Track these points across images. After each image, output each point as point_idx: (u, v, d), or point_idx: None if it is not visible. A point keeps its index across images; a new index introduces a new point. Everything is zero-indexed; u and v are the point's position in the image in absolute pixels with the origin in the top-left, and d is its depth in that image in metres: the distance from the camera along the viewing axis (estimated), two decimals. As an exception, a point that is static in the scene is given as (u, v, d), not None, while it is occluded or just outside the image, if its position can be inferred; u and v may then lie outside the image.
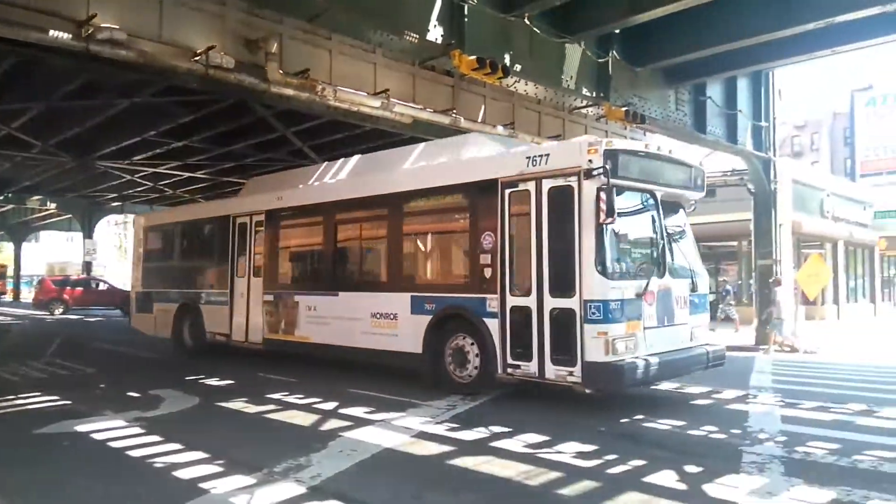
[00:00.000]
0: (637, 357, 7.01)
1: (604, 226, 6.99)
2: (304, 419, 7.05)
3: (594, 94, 13.59)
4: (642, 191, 7.67)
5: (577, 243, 7.11)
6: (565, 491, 4.69)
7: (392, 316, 9.07)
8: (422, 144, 10.31)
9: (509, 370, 7.65)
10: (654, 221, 7.66)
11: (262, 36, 10.57)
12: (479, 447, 5.83)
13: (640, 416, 7.10)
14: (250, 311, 11.41)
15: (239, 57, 10.21)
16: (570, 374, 7.05)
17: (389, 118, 12.45)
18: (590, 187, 7.07)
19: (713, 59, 14.24)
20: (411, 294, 8.86)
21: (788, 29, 12.62)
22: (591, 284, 6.96)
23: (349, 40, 11.71)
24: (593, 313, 6.92)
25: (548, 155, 7.59)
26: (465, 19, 10.88)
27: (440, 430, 6.43)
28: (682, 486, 4.77)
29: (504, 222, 7.88)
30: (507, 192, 7.86)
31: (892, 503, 4.33)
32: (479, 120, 14.18)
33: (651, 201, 7.69)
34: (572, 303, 7.09)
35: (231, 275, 11.92)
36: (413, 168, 9.67)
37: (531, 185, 7.61)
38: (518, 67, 12.05)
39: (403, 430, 6.38)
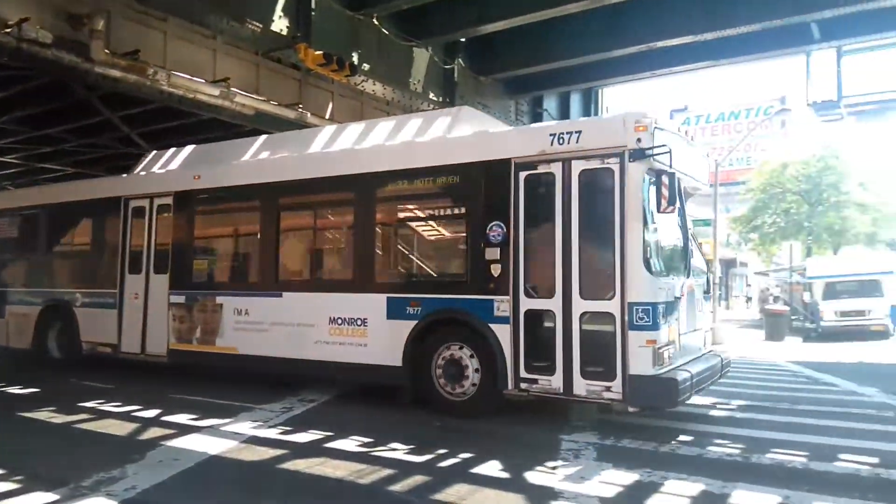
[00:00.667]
0: (679, 368, 6.19)
1: (651, 218, 6.11)
2: (120, 428, 6.50)
3: (441, 99, 13.92)
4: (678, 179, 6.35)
5: (618, 236, 6.09)
6: (396, 487, 4.74)
7: (360, 321, 7.48)
8: (399, 117, 9.09)
9: (523, 385, 6.46)
10: (681, 214, 6.60)
11: (86, 12, 9.72)
12: (312, 449, 5.73)
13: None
14: (149, 316, 9.30)
15: (59, 32, 9.33)
16: (607, 389, 6.06)
17: (230, 108, 11.93)
18: (636, 170, 6.05)
19: (550, 74, 15.16)
20: (388, 295, 7.37)
21: (615, 51, 13.76)
22: (639, 284, 5.98)
23: (186, 24, 11.06)
24: (641, 318, 5.93)
25: (579, 132, 6.40)
26: (313, 13, 10.71)
27: (273, 433, 6.23)
28: (506, 475, 5.01)
29: (518, 210, 6.62)
30: (524, 174, 6.61)
31: (685, 481, 4.82)
32: (328, 117, 13.99)
33: (680, 191, 6.43)
34: (611, 306, 6.09)
35: (121, 271, 9.69)
36: (395, 145, 7.95)
37: (556, 168, 6.44)
38: (366, 67, 12.05)
39: (233, 436, 6.10)
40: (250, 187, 8.73)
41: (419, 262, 7.89)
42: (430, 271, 7.84)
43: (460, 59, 14.17)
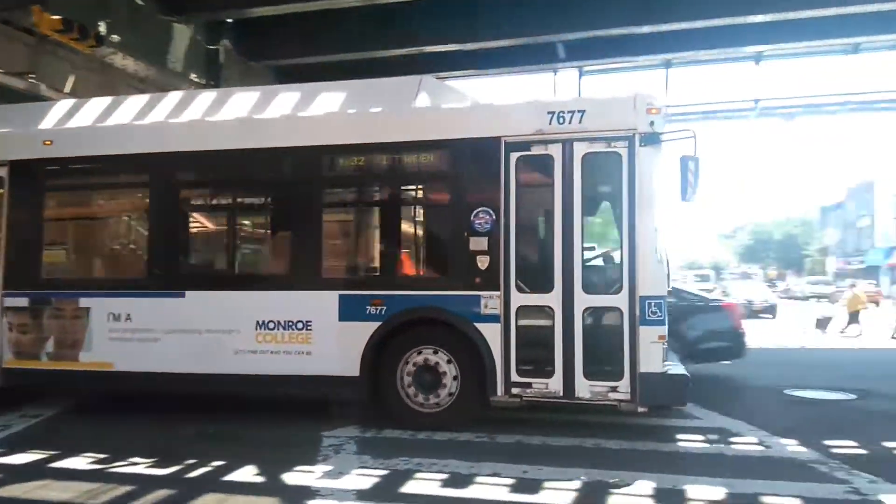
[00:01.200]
0: (673, 363, 6.01)
1: (655, 208, 5.71)
2: None
3: (204, 81, 13.05)
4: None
5: (627, 226, 5.70)
6: (135, 505, 4.31)
7: (302, 325, 6.23)
8: (344, 82, 7.46)
9: (515, 390, 5.84)
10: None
11: None
12: (33, 471, 4.99)
13: (222, 415, 6.71)
14: None
15: None
16: (613, 389, 5.69)
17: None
18: (648, 155, 5.68)
19: (324, 67, 15.01)
20: (341, 292, 6.24)
21: (387, 51, 14.06)
22: (652, 277, 5.66)
23: None
24: (653, 312, 5.58)
25: (582, 111, 5.85)
26: (50, -29, 9.35)
27: (-17, 456, 5.31)
28: (261, 479, 4.82)
29: (509, 196, 5.93)
30: (516, 155, 5.95)
31: (437, 465, 5.04)
32: (67, 91, 12.32)
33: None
34: (618, 300, 5.72)
35: None
36: (351, 115, 6.61)
37: (556, 150, 5.87)
38: (116, 38, 10.87)
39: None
40: (140, 157, 6.74)
41: (385, 253, 6.61)
42: (397, 264, 6.63)
43: (227, 41, 13.39)
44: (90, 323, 6.64)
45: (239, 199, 7.25)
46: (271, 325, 6.29)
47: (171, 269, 6.82)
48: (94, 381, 6.76)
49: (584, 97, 6.76)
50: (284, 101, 6.96)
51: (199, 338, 6.40)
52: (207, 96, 7.65)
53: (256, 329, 6.30)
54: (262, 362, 6.28)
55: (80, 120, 7.30)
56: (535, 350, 5.93)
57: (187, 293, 6.56)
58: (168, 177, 6.87)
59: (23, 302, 6.85)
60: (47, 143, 7.02)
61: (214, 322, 6.44)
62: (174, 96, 7.63)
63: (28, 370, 6.78)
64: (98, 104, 7.58)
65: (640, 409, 5.77)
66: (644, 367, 5.62)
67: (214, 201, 7.34)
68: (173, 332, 6.46)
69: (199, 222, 7.37)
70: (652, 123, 5.73)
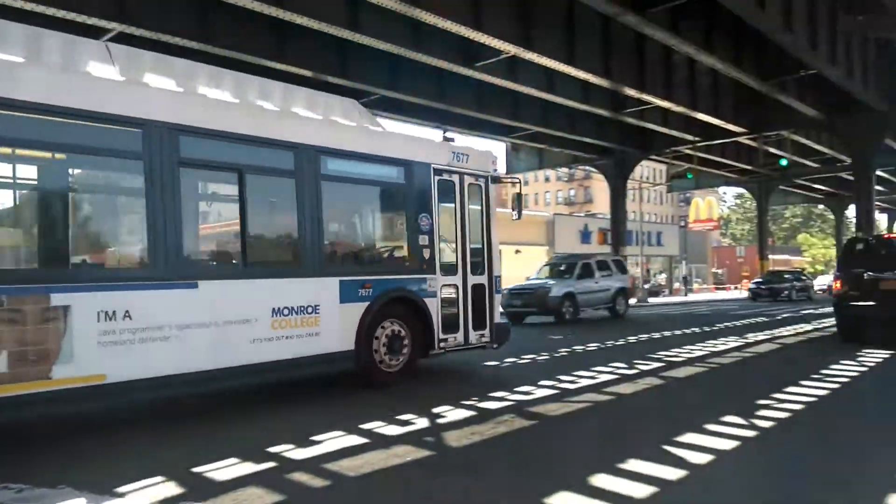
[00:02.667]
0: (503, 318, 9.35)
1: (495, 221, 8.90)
2: None
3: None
4: None
5: (485, 231, 8.76)
6: None
7: (311, 309, 6.76)
8: (285, 85, 7.77)
9: (442, 345, 8.08)
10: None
11: None
12: None
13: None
14: None
15: None
16: (482, 336, 8.59)
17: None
18: (493, 189, 8.92)
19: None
20: (340, 279, 7.06)
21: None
22: (497, 264, 8.86)
23: None
24: (497, 286, 8.84)
25: (468, 156, 8.67)
26: None
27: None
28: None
29: (434, 206, 8.15)
30: (437, 178, 8.23)
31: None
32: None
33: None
34: (483, 279, 8.68)
35: None
36: (350, 125, 7.73)
37: (455, 178, 8.48)
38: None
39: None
40: (145, 125, 5.67)
41: (369, 246, 8.36)
42: (378, 255, 8.25)
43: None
44: (69, 326, 5.11)
45: (251, 185, 6.88)
46: (287, 311, 6.55)
47: (180, 255, 6.09)
48: (77, 397, 5.23)
49: (468, 147, 8.90)
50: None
51: (217, 331, 6.06)
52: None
53: (273, 316, 6.43)
54: (275, 348, 6.42)
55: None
56: (450, 315, 8.21)
57: (200, 283, 6.09)
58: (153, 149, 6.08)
59: None
60: None
61: (231, 313, 6.23)
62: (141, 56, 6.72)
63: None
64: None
65: (494, 346, 8.82)
66: (496, 320, 8.77)
67: (227, 187, 7.26)
68: (188, 328, 5.84)
69: (211, 204, 7.80)
70: (495, 170, 9.17)
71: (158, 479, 4.15)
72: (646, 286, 36.67)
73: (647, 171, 76.54)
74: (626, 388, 7.27)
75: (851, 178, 26.64)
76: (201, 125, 6.07)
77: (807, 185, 42.43)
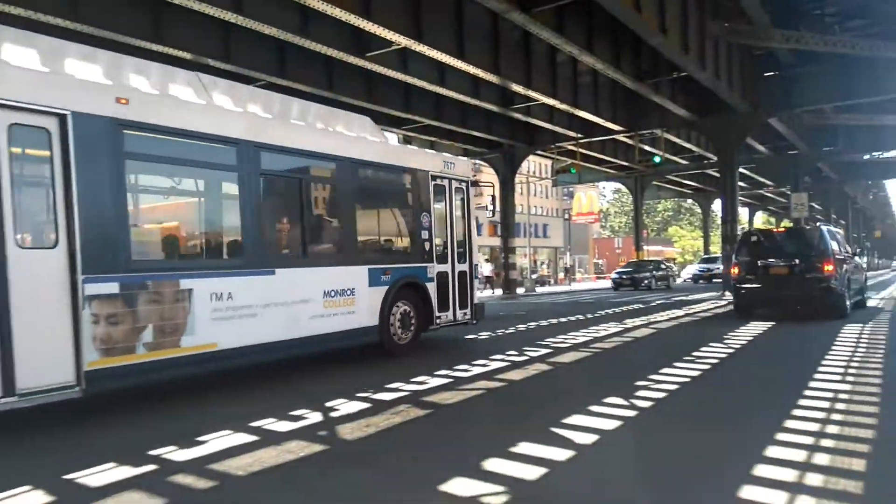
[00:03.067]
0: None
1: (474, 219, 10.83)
2: None
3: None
4: None
5: (468, 228, 10.61)
6: None
7: (349, 291, 8.28)
8: (314, 105, 9.08)
9: (437, 322, 9.80)
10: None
11: None
12: None
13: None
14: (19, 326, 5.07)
15: None
16: (465, 314, 10.40)
17: None
18: (470, 191, 10.79)
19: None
20: (369, 267, 8.68)
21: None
22: (476, 254, 10.94)
23: None
24: (476, 272, 10.90)
25: (454, 164, 10.58)
26: None
27: None
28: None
29: (431, 205, 9.86)
30: (433, 182, 9.94)
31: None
32: None
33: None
34: (465, 266, 10.49)
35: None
36: (374, 142, 9.49)
37: (445, 182, 10.19)
38: None
39: None
40: (227, 142, 6.99)
41: (387, 239, 9.82)
42: (393, 247, 9.80)
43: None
44: (193, 305, 6.40)
45: (308, 192, 8.65)
46: (333, 293, 8.10)
47: (263, 249, 7.49)
48: (194, 362, 6.46)
49: (455, 157, 11.14)
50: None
51: (287, 308, 7.43)
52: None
53: (324, 297, 7.97)
54: (325, 323, 7.93)
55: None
56: (443, 296, 9.91)
57: (277, 271, 7.43)
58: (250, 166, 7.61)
59: (110, 288, 5.75)
60: (123, 101, 6.15)
61: (298, 294, 7.65)
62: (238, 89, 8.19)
63: (119, 367, 5.74)
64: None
65: (474, 322, 10.62)
66: (476, 300, 10.69)
67: (291, 193, 8.47)
68: (269, 306, 7.19)
69: (280, 205, 8.51)
70: (475, 175, 11.31)
71: (25, 488, 3.81)
72: (533, 276, 37.96)
73: (534, 165, 79.11)
74: (516, 375, 7.49)
75: (717, 174, 28.79)
76: (275, 143, 7.51)
77: (678, 180, 45.43)
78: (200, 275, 6.56)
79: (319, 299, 7.85)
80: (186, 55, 14.81)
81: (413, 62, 17.60)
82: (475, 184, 11.04)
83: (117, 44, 13.10)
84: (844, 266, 13.58)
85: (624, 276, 32.87)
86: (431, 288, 9.68)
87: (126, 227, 6.07)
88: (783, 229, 16.99)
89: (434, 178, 9.91)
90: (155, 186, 6.98)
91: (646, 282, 31.75)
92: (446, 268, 10.04)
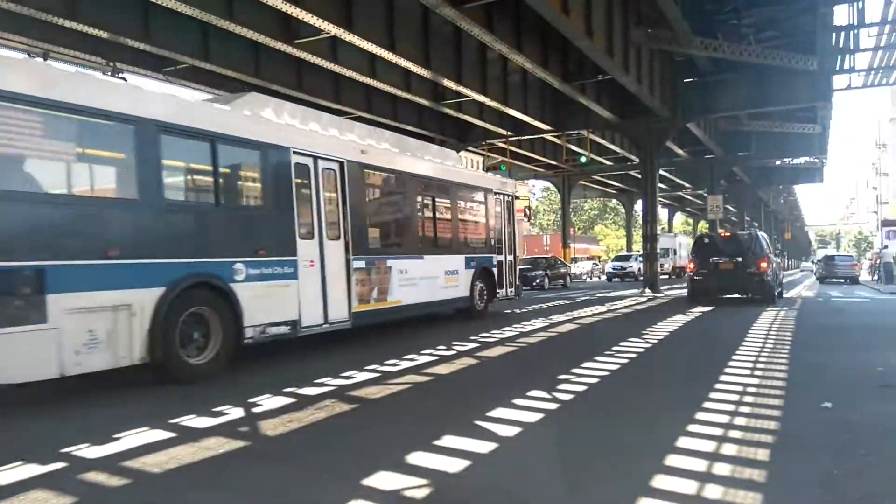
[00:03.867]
0: None
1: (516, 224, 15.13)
2: None
3: None
4: None
5: (511, 231, 14.99)
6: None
7: (456, 272, 12.57)
8: (411, 141, 13.44)
9: (497, 295, 14.22)
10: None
11: None
12: None
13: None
14: (328, 283, 8.84)
15: None
16: (510, 293, 14.83)
17: None
18: (514, 204, 15.37)
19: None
20: (465, 256, 12.96)
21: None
22: (518, 249, 15.11)
23: None
24: (515, 264, 15.37)
25: (505, 183, 15.27)
26: None
27: None
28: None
29: (493, 215, 14.29)
30: (493, 197, 14.29)
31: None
32: None
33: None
34: (502, 258, 14.33)
35: (295, 236, 8.25)
36: (464, 171, 14.70)
37: (500, 198, 14.70)
38: None
39: None
40: (398, 173, 11.26)
41: (472, 237, 13.54)
42: (475, 242, 13.60)
43: None
44: (392, 276, 10.48)
45: (437, 205, 12.61)
46: (448, 272, 12.37)
47: (417, 242, 11.69)
48: (393, 313, 10.62)
49: (504, 178, 16.31)
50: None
51: (429, 281, 11.71)
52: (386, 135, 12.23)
53: (445, 275, 12.25)
54: (444, 293, 12.22)
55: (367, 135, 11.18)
56: (500, 278, 14.15)
57: (424, 257, 11.63)
58: (405, 186, 11.54)
59: (361, 263, 9.65)
60: (363, 151, 10.07)
61: (433, 272, 11.91)
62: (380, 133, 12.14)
63: (365, 311, 9.70)
64: (354, 125, 11.50)
65: (517, 298, 15.55)
66: (516, 283, 15.20)
67: (427, 204, 12.28)
68: (422, 278, 11.45)
69: (423, 217, 12.12)
70: (516, 190, 15.46)
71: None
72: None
73: (466, 161, 79.87)
74: (443, 369, 7.54)
75: (639, 176, 29.83)
76: (424, 174, 12.05)
77: (603, 180, 46.76)
78: (394, 258, 10.62)
79: (442, 276, 12.13)
80: (103, 34, 14.10)
81: (343, 52, 17.35)
82: (516, 198, 15.60)
83: (31, 19, 12.34)
84: (773, 264, 17.61)
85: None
86: (496, 271, 13.97)
87: (366, 228, 9.94)
88: (729, 234, 20.64)
89: (495, 193, 14.29)
90: (375, 204, 10.81)
91: (538, 280, 28.58)
92: (501, 258, 14.24)
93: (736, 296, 17.36)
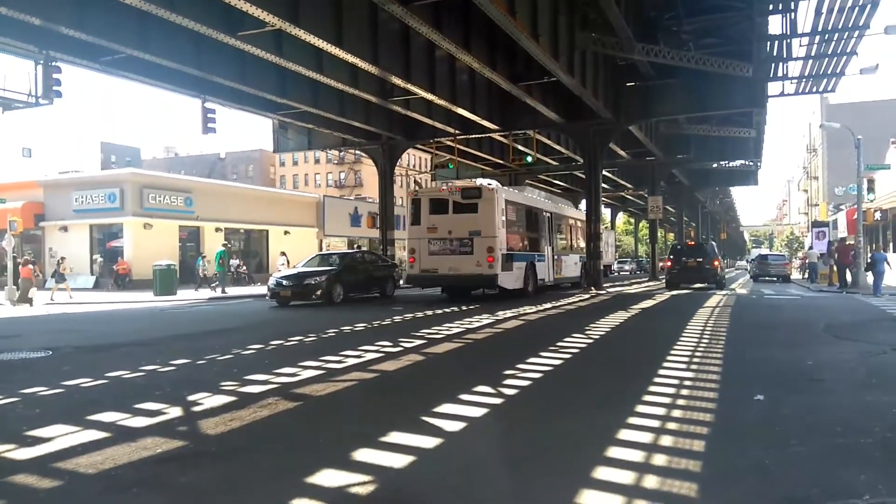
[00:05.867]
0: None
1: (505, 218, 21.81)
2: None
3: None
4: None
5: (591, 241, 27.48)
6: None
7: (579, 263, 26.28)
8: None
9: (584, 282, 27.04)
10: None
11: None
12: None
13: None
14: (550, 266, 23.07)
15: None
16: (547, 280, 23.38)
17: None
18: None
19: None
20: (580, 255, 26.57)
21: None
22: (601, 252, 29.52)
23: None
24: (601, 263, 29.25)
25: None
26: None
27: None
28: None
29: (581, 233, 27.62)
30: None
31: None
32: None
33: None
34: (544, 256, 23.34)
35: (545, 245, 22.76)
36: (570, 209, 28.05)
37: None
38: None
39: None
40: (564, 217, 26.12)
41: (578, 245, 27.07)
42: (579, 247, 27.01)
43: None
44: (562, 264, 24.39)
45: (558, 228, 24.86)
46: (572, 264, 25.81)
47: (553, 246, 23.58)
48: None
49: (579, 209, 30.58)
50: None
51: (560, 266, 24.16)
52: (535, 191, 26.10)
53: (573, 264, 25.92)
54: (567, 277, 25.16)
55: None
56: (585, 270, 26.72)
57: (560, 256, 24.30)
58: (543, 218, 22.95)
59: (555, 256, 23.86)
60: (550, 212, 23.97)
61: (567, 264, 25.14)
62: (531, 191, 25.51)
63: (557, 279, 23.88)
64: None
65: (555, 284, 24.29)
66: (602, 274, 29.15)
67: (552, 227, 23.69)
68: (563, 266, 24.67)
69: (555, 234, 23.99)
70: (584, 213, 28.86)
71: None
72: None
73: (414, 159, 79.54)
74: (390, 366, 7.51)
75: (584, 176, 30.45)
76: (556, 212, 24.72)
77: (548, 180, 47.51)
78: (563, 255, 24.65)
79: (573, 265, 25.59)
80: (35, 20, 13.49)
81: (289, 46, 17.11)
82: (586, 220, 26.99)
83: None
84: (722, 262, 29.19)
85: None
86: (583, 266, 26.28)
87: (556, 241, 24.29)
88: (693, 243, 35.31)
89: (578, 220, 27.17)
90: (556, 230, 24.25)
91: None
92: (584, 257, 26.46)
93: (698, 285, 26.62)
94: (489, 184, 18.76)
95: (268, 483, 3.65)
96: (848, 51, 22.00)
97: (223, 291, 24.73)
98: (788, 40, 21.75)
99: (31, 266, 22.02)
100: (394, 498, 3.45)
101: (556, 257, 23.23)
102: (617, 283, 33.29)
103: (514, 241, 19.47)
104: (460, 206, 18.33)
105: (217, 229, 33.81)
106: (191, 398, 5.71)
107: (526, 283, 19.88)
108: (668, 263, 27.15)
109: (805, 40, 22.10)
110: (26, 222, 29.35)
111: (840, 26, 20.18)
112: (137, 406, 5.39)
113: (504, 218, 18.55)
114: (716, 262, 25.89)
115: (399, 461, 3.91)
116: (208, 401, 5.63)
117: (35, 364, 8.12)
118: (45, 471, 3.81)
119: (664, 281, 28.10)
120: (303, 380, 6.59)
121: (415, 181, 63.26)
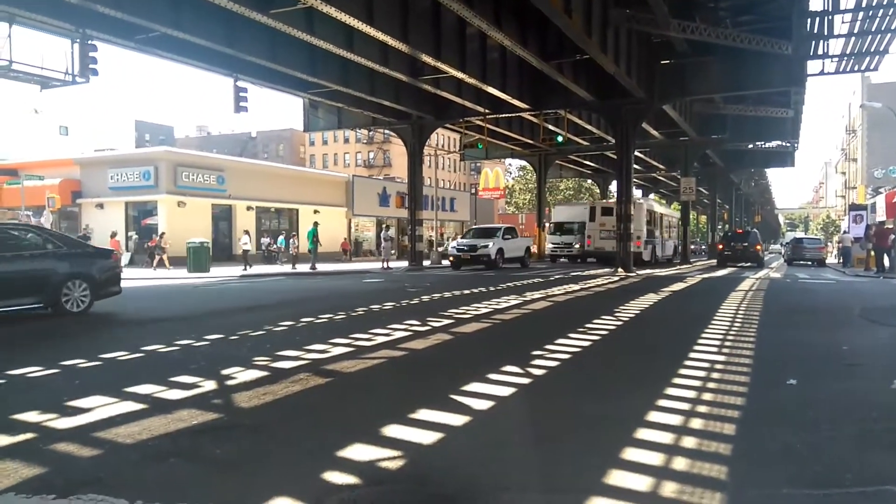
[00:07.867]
0: None
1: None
2: None
3: None
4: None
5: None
6: None
7: (646, 243, 33.17)
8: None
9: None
10: None
11: None
12: None
13: None
14: (654, 247, 35.15)
15: None
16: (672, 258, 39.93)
17: None
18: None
19: None
20: (646, 238, 33.18)
21: None
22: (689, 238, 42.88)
23: None
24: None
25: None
26: None
27: None
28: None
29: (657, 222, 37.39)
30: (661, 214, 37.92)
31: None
32: None
33: None
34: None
35: (656, 233, 36.01)
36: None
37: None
38: None
39: None
40: (656, 213, 37.69)
41: (651, 232, 34.78)
42: (651, 234, 35.19)
43: None
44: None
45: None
46: (637, 246, 31.24)
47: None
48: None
49: (668, 207, 53.36)
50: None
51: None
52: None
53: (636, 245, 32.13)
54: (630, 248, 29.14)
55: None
56: (666, 250, 38.95)
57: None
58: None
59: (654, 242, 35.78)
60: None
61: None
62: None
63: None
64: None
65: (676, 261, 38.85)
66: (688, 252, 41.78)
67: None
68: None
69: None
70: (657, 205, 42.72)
71: None
72: (440, 249, 38.33)
73: (443, 139, 79.30)
74: (418, 344, 7.57)
75: (615, 156, 30.05)
76: (660, 212, 38.98)
77: (578, 160, 47.02)
78: (646, 242, 33.00)
79: (670, 246, 39.59)
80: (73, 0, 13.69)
81: (319, 23, 17.09)
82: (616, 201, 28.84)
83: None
84: (763, 246, 37.73)
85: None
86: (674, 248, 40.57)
87: (656, 230, 36.06)
88: (741, 230, 39.60)
89: (668, 215, 40.78)
90: (654, 223, 35.94)
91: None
92: (669, 242, 39.15)
93: (744, 264, 32.54)
94: (638, 199, 31.65)
95: (300, 456, 3.72)
96: (893, 28, 21.20)
97: (312, 268, 25.85)
98: (830, 17, 21.05)
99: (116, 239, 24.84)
100: (423, 473, 3.49)
101: (663, 241, 36.89)
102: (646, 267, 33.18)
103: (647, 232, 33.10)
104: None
105: (248, 208, 34.24)
106: (224, 372, 5.83)
107: (652, 257, 34.08)
108: (721, 247, 33.90)
109: (848, 17, 21.36)
110: (63, 199, 30.06)
111: (885, 2, 19.44)
112: (173, 379, 5.52)
113: (643, 219, 32.06)
114: (758, 247, 32.89)
115: (428, 437, 3.96)
116: (242, 375, 5.74)
117: (74, 335, 8.36)
118: (86, 440, 3.93)
119: (716, 260, 34.99)
120: (333, 356, 6.68)
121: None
